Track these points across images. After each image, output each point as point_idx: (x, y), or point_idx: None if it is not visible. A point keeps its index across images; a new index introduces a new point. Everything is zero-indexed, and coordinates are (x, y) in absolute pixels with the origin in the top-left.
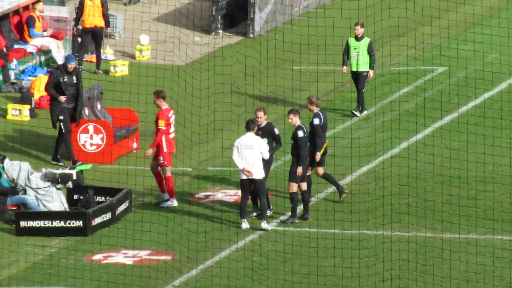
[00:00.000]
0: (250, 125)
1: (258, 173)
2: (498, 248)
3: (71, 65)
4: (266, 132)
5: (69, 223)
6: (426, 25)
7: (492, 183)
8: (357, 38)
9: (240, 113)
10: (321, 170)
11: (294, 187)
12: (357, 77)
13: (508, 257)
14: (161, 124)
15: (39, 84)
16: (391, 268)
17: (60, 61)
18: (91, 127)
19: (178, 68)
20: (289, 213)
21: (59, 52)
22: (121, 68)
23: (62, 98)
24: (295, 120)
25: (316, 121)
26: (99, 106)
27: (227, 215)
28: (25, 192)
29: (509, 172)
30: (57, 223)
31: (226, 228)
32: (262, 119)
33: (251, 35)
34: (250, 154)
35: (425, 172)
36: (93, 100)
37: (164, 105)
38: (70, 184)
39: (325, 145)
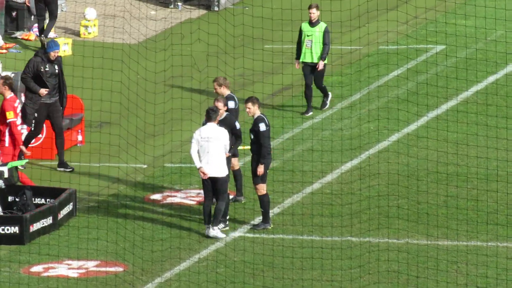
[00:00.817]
0: (211, 113)
1: (221, 171)
2: (503, 258)
3: (55, 53)
4: (226, 125)
5: (3, 230)
6: None
7: (497, 181)
8: (312, 23)
9: (202, 101)
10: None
11: (262, 189)
12: (312, 70)
13: None
14: (11, 115)
15: None
16: (378, 281)
17: None
18: None
19: (130, 47)
20: (260, 218)
21: None
22: (63, 48)
23: (43, 91)
24: (254, 110)
25: (232, 104)
26: None
27: (188, 220)
28: None
29: None
30: None
31: (186, 235)
32: (222, 110)
33: (216, 9)
34: (213, 148)
35: (418, 169)
36: None
37: (9, 94)
38: (1, 183)
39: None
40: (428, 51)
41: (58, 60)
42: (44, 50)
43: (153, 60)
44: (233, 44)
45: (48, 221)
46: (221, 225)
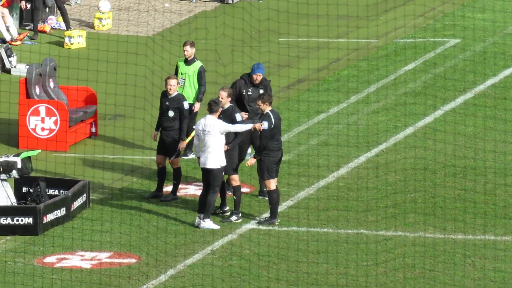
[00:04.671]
0: (212, 105)
1: (214, 163)
2: None
3: (256, 76)
4: (226, 116)
5: (17, 220)
6: None
7: None
8: (187, 61)
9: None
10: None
11: (271, 185)
12: None
13: None
14: None
15: None
16: (393, 274)
17: (5, 34)
18: (42, 109)
19: (153, 40)
20: (267, 214)
21: (6, 22)
22: (77, 40)
23: (243, 115)
24: (263, 107)
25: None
26: (52, 84)
27: None
28: None
29: None
30: (2, 220)
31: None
32: (225, 100)
33: (230, 1)
34: (209, 140)
35: (434, 163)
36: (45, 77)
37: None
38: (14, 173)
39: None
40: (445, 44)
41: (265, 85)
42: (248, 73)
43: (168, 52)
44: (249, 37)
45: (62, 212)
46: (234, 217)
